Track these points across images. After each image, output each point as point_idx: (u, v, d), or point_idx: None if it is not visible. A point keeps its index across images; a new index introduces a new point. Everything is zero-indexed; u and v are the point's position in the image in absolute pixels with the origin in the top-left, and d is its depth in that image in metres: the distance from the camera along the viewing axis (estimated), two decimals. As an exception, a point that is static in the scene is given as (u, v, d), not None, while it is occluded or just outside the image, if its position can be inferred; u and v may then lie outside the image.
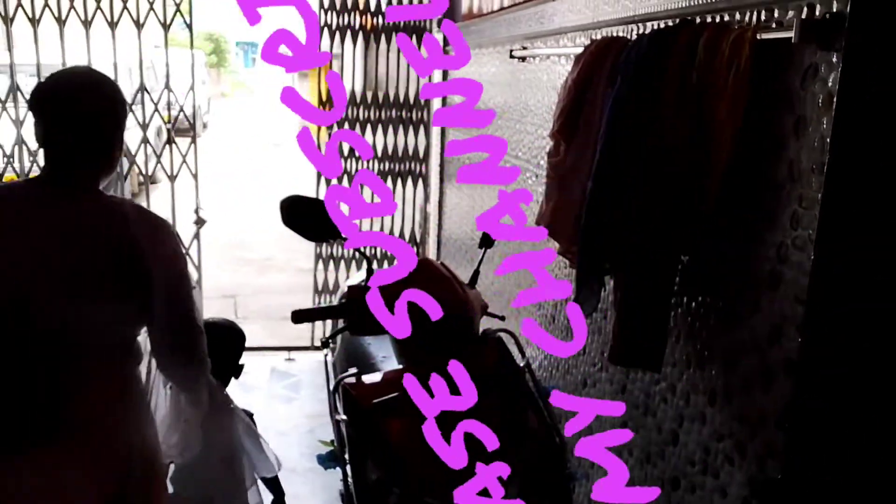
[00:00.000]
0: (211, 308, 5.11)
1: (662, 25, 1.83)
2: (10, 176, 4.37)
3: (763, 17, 1.48)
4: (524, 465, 1.83)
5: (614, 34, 2.16)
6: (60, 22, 4.20)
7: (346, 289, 2.25)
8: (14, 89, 4.25)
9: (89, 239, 1.63)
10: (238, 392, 4.18)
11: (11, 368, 1.58)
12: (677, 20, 1.77)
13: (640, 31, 2.02)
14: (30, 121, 4.24)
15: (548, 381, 2.77)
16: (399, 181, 4.85)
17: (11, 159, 4.34)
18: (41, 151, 1.76)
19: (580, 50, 2.07)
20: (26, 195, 1.72)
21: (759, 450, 1.50)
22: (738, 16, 1.56)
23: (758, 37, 1.41)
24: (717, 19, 1.64)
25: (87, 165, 1.71)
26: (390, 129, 4.77)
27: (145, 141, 4.49)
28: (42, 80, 1.75)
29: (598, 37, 2.22)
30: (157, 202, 5.07)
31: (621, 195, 1.71)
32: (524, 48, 2.97)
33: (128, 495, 1.71)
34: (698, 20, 1.70)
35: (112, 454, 1.68)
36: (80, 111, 1.69)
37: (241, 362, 2.63)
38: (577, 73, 2.03)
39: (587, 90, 1.98)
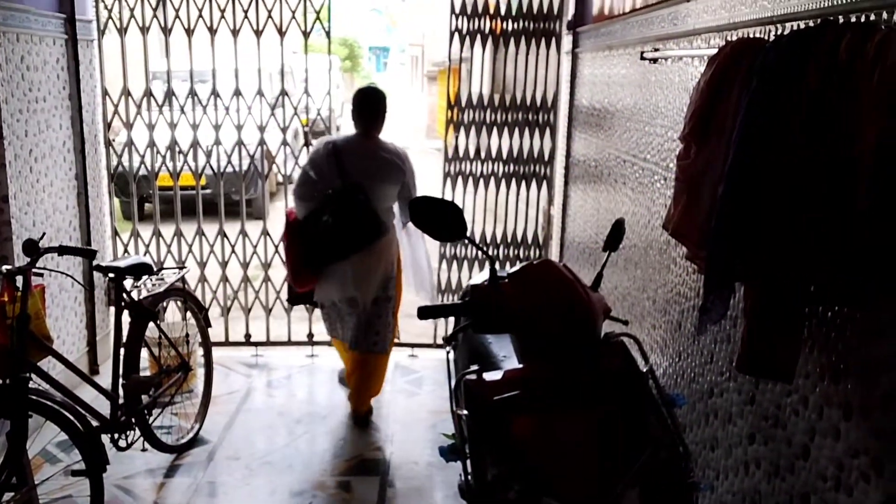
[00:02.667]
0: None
1: (802, 26, 1.77)
2: (164, 174, 4.72)
3: (913, 16, 1.41)
4: (646, 472, 1.81)
5: (751, 35, 2.10)
6: (212, 31, 4.51)
7: (469, 288, 2.31)
8: (169, 94, 4.60)
9: (382, 159, 3.68)
10: (364, 385, 4.32)
11: (349, 220, 3.57)
12: (818, 20, 1.71)
13: (779, 32, 1.95)
14: (183, 123, 4.60)
15: (673, 388, 2.72)
16: (523, 183, 4.87)
17: (165, 159, 4.69)
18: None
19: (714, 51, 2.03)
20: (358, 139, 3.74)
21: (898, 469, 1.43)
22: (884, 15, 1.49)
23: (907, 36, 1.34)
24: (861, 19, 1.57)
25: (377, 126, 3.75)
26: (516, 132, 4.80)
27: (284, 143, 4.74)
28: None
29: (734, 38, 2.17)
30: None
31: (755, 200, 1.66)
32: (656, 49, 2.93)
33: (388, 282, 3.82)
34: (841, 20, 1.63)
35: (386, 258, 3.76)
36: (374, 103, 3.73)
37: None
38: (710, 75, 1.99)
39: (721, 92, 1.94)
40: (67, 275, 3.26)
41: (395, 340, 4.13)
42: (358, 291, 3.69)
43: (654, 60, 2.94)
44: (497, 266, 4.83)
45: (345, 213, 3.53)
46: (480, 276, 2.64)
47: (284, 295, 4.84)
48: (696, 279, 2.48)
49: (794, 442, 1.83)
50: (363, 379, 3.88)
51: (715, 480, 2.32)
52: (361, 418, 3.96)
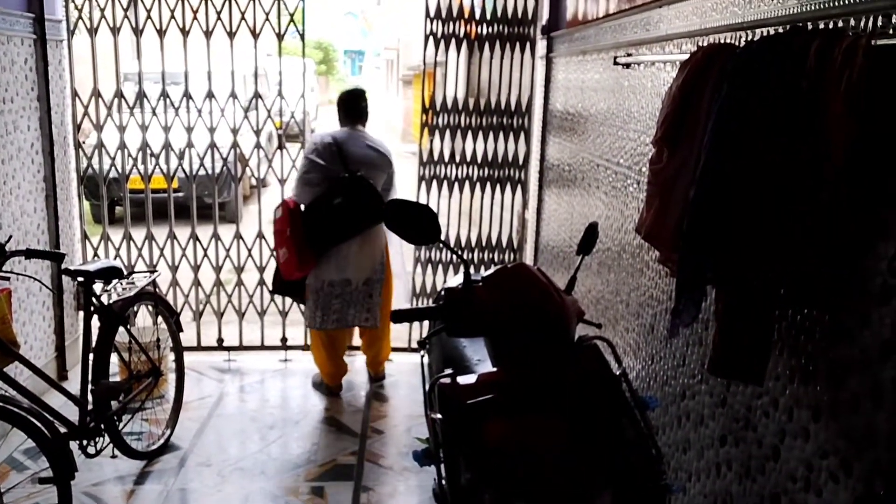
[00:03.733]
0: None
1: (772, 32, 1.79)
2: (134, 177, 4.67)
3: (879, 23, 1.43)
4: (619, 474, 1.82)
5: (722, 41, 2.13)
6: (184, 32, 4.46)
7: (443, 291, 2.30)
8: (141, 96, 4.54)
9: (375, 150, 4.11)
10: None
11: (359, 203, 3.91)
12: (787, 26, 1.73)
13: (749, 38, 1.98)
14: (154, 125, 4.54)
15: (646, 391, 2.74)
16: (498, 187, 4.88)
17: (136, 161, 4.63)
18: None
19: (686, 57, 2.05)
20: (351, 132, 4.15)
21: (866, 468, 1.44)
22: (851, 21, 1.51)
23: (872, 43, 1.36)
24: (830, 25, 1.59)
25: (363, 121, 4.20)
26: (491, 136, 4.81)
27: (258, 146, 4.70)
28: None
29: (705, 43, 2.19)
30: (268, 203, 5.30)
31: (726, 204, 1.68)
32: (629, 55, 2.95)
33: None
34: (809, 26, 1.66)
35: (379, 242, 4.10)
36: (359, 101, 4.21)
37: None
38: (682, 80, 2.01)
39: (692, 97, 1.96)
40: (35, 279, 3.21)
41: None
42: (354, 272, 4.08)
43: (627, 65, 2.96)
44: (471, 270, 4.85)
45: (355, 196, 3.91)
46: (454, 280, 2.64)
47: (257, 298, 4.82)
48: (668, 282, 2.50)
49: (764, 443, 1.85)
50: (378, 349, 4.46)
51: (687, 482, 2.34)
52: (379, 378, 4.51)
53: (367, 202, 3.92)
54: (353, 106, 4.21)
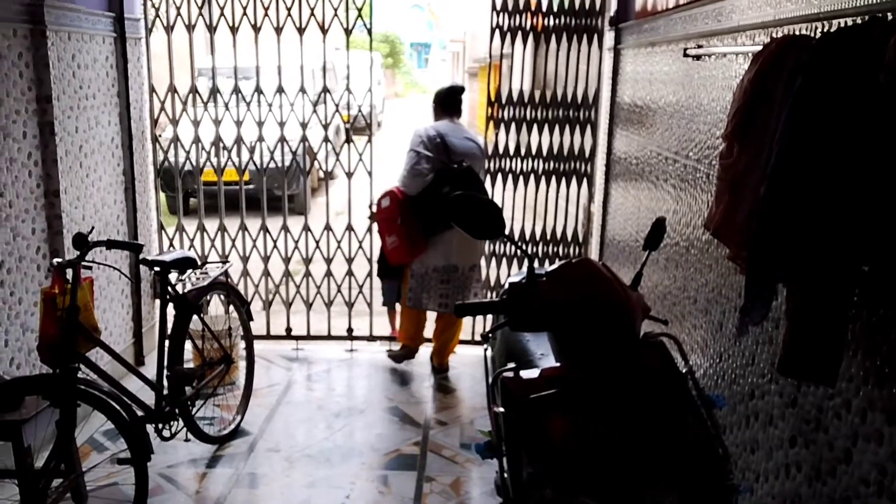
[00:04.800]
0: (378, 300, 5.34)
1: (849, 23, 1.74)
2: (208, 170, 4.81)
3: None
4: (685, 474, 1.80)
5: (796, 32, 2.07)
6: (256, 29, 4.57)
7: (507, 286, 2.31)
8: (214, 91, 4.67)
9: (473, 140, 4.41)
10: (402, 381, 4.38)
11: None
12: (866, 17, 1.67)
13: (825, 29, 1.92)
14: (227, 119, 4.68)
15: (713, 389, 2.69)
16: (564, 180, 4.85)
17: (209, 154, 4.77)
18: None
19: (759, 48, 2.00)
20: (451, 124, 4.41)
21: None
22: (936, 11, 1.45)
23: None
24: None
25: (458, 115, 4.50)
26: (556, 129, 4.78)
27: (326, 140, 4.78)
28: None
29: (779, 35, 2.13)
30: (335, 197, 5.39)
31: (799, 199, 1.64)
32: (699, 46, 2.89)
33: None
34: (889, 17, 1.60)
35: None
36: (458, 95, 4.50)
37: None
38: (754, 73, 1.96)
39: (765, 90, 1.91)
40: (115, 268, 3.34)
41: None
42: (460, 259, 4.36)
43: (698, 57, 2.90)
44: (535, 264, 4.84)
45: (464, 186, 4.05)
46: (519, 274, 2.64)
47: (325, 289, 4.91)
48: (738, 279, 2.45)
49: (835, 446, 1.80)
50: (449, 338, 4.58)
51: (755, 483, 2.29)
52: (443, 370, 4.60)
53: (473, 190, 4.09)
54: (451, 100, 4.48)
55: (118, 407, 2.75)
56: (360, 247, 4.96)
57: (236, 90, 4.66)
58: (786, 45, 1.88)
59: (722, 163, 2.11)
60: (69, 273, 2.76)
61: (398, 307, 4.69)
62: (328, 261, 4.90)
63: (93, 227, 3.14)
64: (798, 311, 1.67)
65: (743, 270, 1.94)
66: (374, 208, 4.54)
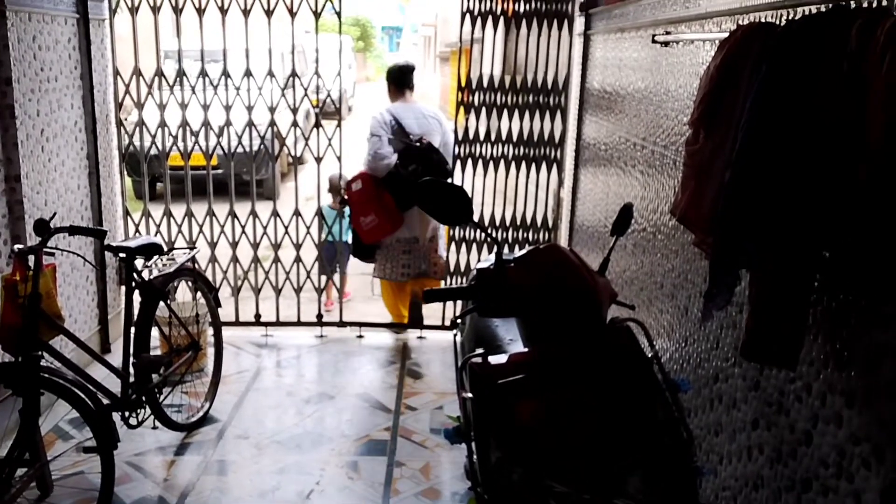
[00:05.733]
0: (351, 286, 5.29)
1: (814, 11, 1.75)
2: (174, 155, 4.74)
3: (925, 2, 1.39)
4: (649, 457, 1.82)
5: (762, 20, 2.09)
6: (223, 11, 4.50)
7: (475, 271, 2.31)
8: (180, 74, 4.60)
9: (429, 117, 4.72)
10: (372, 366, 4.37)
11: (429, 168, 4.40)
12: (829, 5, 1.69)
13: (790, 17, 1.94)
14: (194, 103, 4.60)
15: (679, 373, 2.73)
16: (534, 166, 4.86)
17: (176, 139, 4.70)
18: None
19: (725, 35, 2.01)
20: (404, 104, 4.70)
21: (899, 457, 1.43)
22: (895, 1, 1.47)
23: (917, 23, 1.33)
24: (873, 4, 1.55)
25: (412, 92, 4.77)
26: (527, 114, 4.78)
27: (295, 124, 4.73)
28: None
29: (745, 22, 2.15)
30: (305, 181, 5.35)
31: (761, 186, 1.65)
32: (667, 33, 2.91)
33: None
34: (852, 5, 1.62)
35: None
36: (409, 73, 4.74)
37: None
38: (720, 60, 1.97)
39: (730, 77, 1.92)
40: (78, 254, 3.30)
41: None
42: (421, 231, 4.71)
43: (666, 44, 2.92)
44: (505, 249, 4.84)
45: (427, 161, 4.43)
46: (487, 260, 2.65)
47: (294, 275, 4.88)
48: (703, 265, 2.48)
49: (796, 428, 1.84)
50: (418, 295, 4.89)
51: (718, 465, 2.33)
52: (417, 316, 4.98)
53: (437, 166, 4.48)
54: (403, 78, 4.75)
55: (83, 395, 2.71)
56: (330, 232, 4.93)
57: (203, 73, 4.59)
58: (751, 32, 1.90)
59: (688, 149, 2.12)
60: (31, 260, 2.71)
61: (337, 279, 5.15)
62: (297, 246, 4.87)
63: (55, 213, 3.07)
64: (760, 296, 1.70)
65: (708, 256, 1.96)
66: (345, 194, 4.70)
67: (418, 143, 4.49)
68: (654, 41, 2.94)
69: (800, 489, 1.81)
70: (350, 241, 5.04)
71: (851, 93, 1.47)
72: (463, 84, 4.76)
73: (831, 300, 1.69)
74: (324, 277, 4.97)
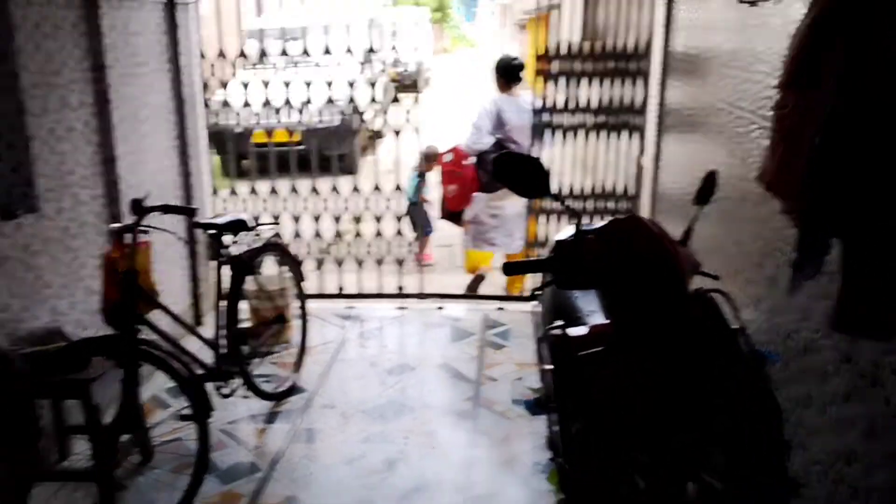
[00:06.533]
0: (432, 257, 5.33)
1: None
2: (258, 132, 4.86)
3: None
4: (734, 429, 1.79)
5: (857, -27, 1.97)
6: (301, -11, 4.56)
7: (555, 244, 2.30)
8: (262, 53, 4.70)
9: (525, 111, 4.77)
10: (452, 337, 4.41)
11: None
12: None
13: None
14: (275, 80, 4.66)
15: (766, 345, 2.65)
16: (615, 134, 4.76)
17: (258, 117, 4.81)
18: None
19: (817, -8, 1.91)
20: (507, 98, 4.92)
21: None
22: None
23: None
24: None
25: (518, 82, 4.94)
26: (607, 81, 4.68)
27: (373, 99, 4.78)
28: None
29: (838, -23, 2.03)
30: (383, 155, 5.41)
31: (855, 150, 1.58)
32: (754, -9, 2.78)
33: None
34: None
35: None
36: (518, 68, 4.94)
37: None
38: (812, 18, 1.88)
39: (823, 37, 1.83)
40: (170, 232, 3.42)
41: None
42: (505, 209, 5.00)
43: (754, 3, 2.79)
44: (587, 220, 4.79)
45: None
46: (566, 232, 2.62)
47: (375, 248, 4.97)
48: (792, 233, 2.38)
49: (892, 402, 1.77)
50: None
51: (807, 438, 2.26)
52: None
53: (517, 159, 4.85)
54: (511, 72, 4.97)
55: (178, 366, 2.85)
56: (410, 205, 4.98)
57: (284, 52, 4.67)
58: (845, -12, 1.80)
59: (777, 114, 2.04)
60: (128, 237, 2.85)
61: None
62: (378, 219, 4.94)
63: (148, 193, 3.21)
64: (853, 266, 1.63)
65: (797, 224, 1.89)
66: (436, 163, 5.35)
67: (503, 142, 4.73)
68: (740, 1, 2.82)
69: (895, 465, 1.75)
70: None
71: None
72: (541, 52, 4.69)
73: (931, 269, 1.61)
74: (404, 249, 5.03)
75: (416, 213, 5.57)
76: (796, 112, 1.94)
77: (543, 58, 4.70)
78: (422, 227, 5.85)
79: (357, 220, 4.98)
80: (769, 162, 2.08)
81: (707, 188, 2.37)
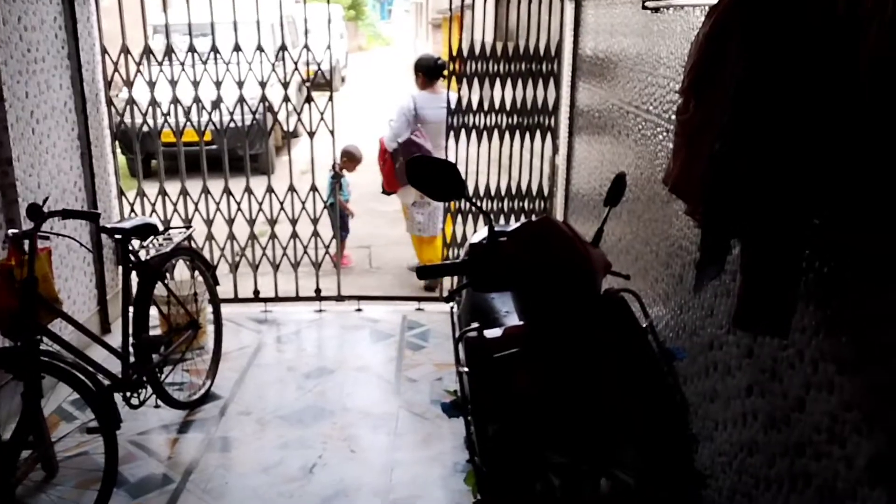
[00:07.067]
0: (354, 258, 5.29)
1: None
2: (166, 131, 4.71)
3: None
4: (645, 426, 1.84)
5: (752, -16, 2.05)
6: (209, -15, 4.43)
7: (468, 246, 2.31)
8: (169, 50, 4.55)
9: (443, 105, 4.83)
10: (371, 339, 4.39)
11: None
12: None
13: (780, -19, 1.91)
14: (183, 79, 4.54)
15: (674, 342, 2.74)
16: (528, 135, 4.83)
17: (168, 116, 4.66)
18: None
19: (716, 1, 1.99)
20: (433, 96, 5.24)
21: (889, 422, 1.44)
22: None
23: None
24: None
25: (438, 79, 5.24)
26: (520, 82, 4.74)
27: (286, 99, 4.70)
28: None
29: (735, -13, 2.11)
30: (298, 156, 5.32)
31: (752, 154, 1.65)
32: (658, -2, 2.87)
33: None
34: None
35: None
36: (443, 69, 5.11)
37: None
38: (709, 27, 1.95)
39: (720, 45, 1.90)
40: (73, 238, 3.28)
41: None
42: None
43: (657, 9, 2.88)
44: (502, 220, 4.84)
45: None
46: (480, 234, 2.65)
47: (291, 250, 4.89)
48: (697, 234, 2.47)
49: (790, 395, 1.86)
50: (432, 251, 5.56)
51: (714, 431, 2.36)
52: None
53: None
54: (432, 71, 5.31)
55: (83, 377, 2.73)
56: (326, 206, 4.92)
57: (192, 49, 4.53)
58: (741, -2, 1.87)
59: (679, 118, 2.11)
60: (26, 244, 2.71)
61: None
62: (293, 221, 4.87)
63: (48, 196, 3.07)
64: (751, 265, 1.70)
65: (700, 225, 1.96)
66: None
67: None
68: (644, 7, 2.91)
69: (793, 454, 1.84)
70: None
71: (840, 59, 1.46)
72: (454, 54, 4.71)
73: (822, 267, 1.70)
74: (321, 251, 4.96)
75: (332, 214, 5.48)
76: (697, 117, 2.01)
77: (456, 58, 4.72)
78: (338, 229, 5.77)
79: (272, 222, 4.89)
80: (673, 164, 2.14)
81: (617, 189, 2.43)
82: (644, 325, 2.05)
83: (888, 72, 1.38)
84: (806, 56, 1.53)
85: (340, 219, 5.90)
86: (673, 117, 2.62)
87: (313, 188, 4.82)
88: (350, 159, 6.30)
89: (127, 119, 4.67)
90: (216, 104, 4.66)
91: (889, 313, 1.46)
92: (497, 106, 4.78)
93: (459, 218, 4.95)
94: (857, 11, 1.42)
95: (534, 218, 2.16)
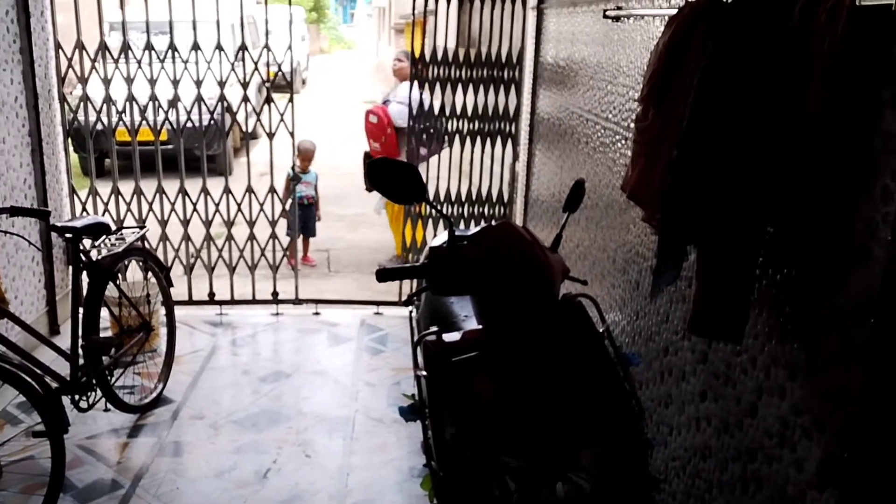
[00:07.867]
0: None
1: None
2: (121, 130, 4.62)
3: (866, -18, 1.41)
4: (602, 430, 1.85)
5: (710, -4, 2.09)
6: (168, -18, 4.36)
7: (428, 250, 2.31)
8: (125, 47, 4.46)
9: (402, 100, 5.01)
10: (329, 343, 4.36)
11: None
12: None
13: (737, -6, 1.94)
14: (140, 77, 4.47)
15: (630, 347, 2.77)
16: (489, 141, 4.85)
17: (123, 114, 4.57)
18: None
19: (675, 11, 2.02)
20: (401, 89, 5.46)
21: (838, 426, 1.47)
22: (838, -20, 1.49)
23: (857, 3, 1.35)
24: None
25: None
26: (482, 88, 4.76)
27: (245, 99, 4.64)
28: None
29: (694, -2, 2.15)
30: (257, 157, 5.26)
31: (707, 163, 1.68)
32: (619, 7, 2.91)
33: None
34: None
35: None
36: None
37: None
38: (668, 37, 1.98)
39: (678, 55, 1.93)
40: (21, 236, 3.20)
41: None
42: None
43: (617, 19, 2.92)
44: (461, 225, 4.85)
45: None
46: (440, 238, 2.64)
47: (248, 253, 4.83)
48: (654, 240, 2.50)
49: (742, 400, 1.89)
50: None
51: (668, 436, 2.38)
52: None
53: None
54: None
55: (29, 379, 2.65)
56: (284, 209, 4.87)
57: (149, 47, 4.45)
58: (699, 9, 1.90)
59: (637, 126, 2.13)
60: (-29, 242, 2.63)
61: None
62: (251, 223, 4.80)
63: (-4, 193, 2.98)
64: (706, 272, 1.73)
65: (657, 232, 1.98)
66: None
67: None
68: (605, 16, 2.95)
69: (745, 459, 1.87)
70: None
71: (795, 71, 1.49)
72: (416, 58, 4.71)
73: (775, 275, 1.73)
74: (279, 254, 4.91)
75: (291, 215, 5.44)
76: (655, 125, 2.04)
77: (419, 63, 4.72)
78: (296, 230, 5.78)
79: (229, 223, 4.82)
80: (631, 171, 2.17)
81: (576, 196, 2.45)
82: (601, 331, 2.07)
83: (839, 85, 1.42)
84: (762, 67, 1.56)
85: (307, 220, 5.99)
86: (632, 126, 2.65)
87: (272, 190, 4.77)
88: (304, 156, 6.10)
89: (80, 116, 4.56)
90: (173, 103, 4.58)
91: (836, 320, 1.49)
92: (458, 111, 4.79)
93: (420, 222, 4.95)
94: (811, 26, 1.45)
95: (494, 223, 2.16)
